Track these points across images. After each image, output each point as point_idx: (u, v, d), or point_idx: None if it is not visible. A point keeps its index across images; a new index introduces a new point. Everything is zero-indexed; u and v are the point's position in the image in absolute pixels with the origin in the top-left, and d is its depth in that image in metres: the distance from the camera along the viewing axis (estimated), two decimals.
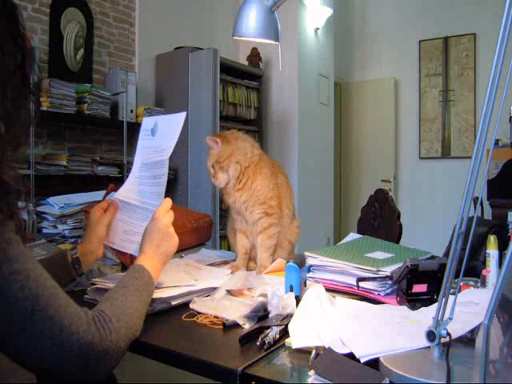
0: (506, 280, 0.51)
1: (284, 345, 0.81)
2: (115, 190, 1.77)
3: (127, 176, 1.16)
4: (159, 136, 1.07)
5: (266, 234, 1.35)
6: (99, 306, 0.78)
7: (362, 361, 0.69)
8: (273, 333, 0.83)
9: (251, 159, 1.35)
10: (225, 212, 3.63)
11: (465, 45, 4.99)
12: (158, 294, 1.00)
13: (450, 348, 0.67)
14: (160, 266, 0.98)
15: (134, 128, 3.08)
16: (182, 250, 1.50)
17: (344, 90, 5.63)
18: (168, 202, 1.02)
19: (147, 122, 1.10)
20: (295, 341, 0.79)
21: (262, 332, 0.84)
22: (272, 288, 0.98)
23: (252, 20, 1.35)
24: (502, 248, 1.09)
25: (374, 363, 0.69)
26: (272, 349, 0.80)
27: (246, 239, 1.40)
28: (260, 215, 1.35)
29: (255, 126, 4.07)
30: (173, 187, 3.34)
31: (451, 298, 0.67)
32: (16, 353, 0.68)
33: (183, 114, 1.03)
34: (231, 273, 1.28)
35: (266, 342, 0.80)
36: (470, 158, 0.63)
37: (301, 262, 1.05)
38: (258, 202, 1.34)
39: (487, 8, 4.59)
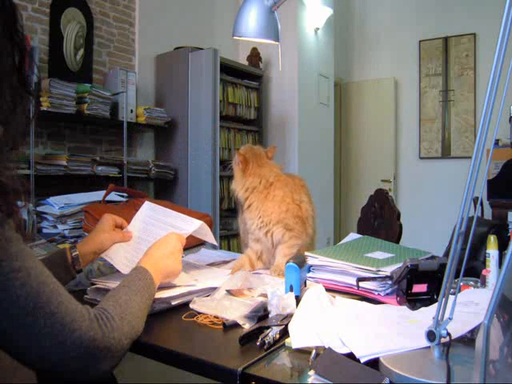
0: (506, 280, 0.51)
1: (284, 345, 0.81)
2: (115, 189, 1.78)
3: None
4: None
5: (286, 244, 1.34)
6: (101, 305, 0.78)
7: (362, 361, 0.69)
8: (273, 333, 0.83)
9: (256, 188, 1.36)
10: (225, 212, 3.63)
11: (465, 45, 4.99)
12: (157, 294, 0.99)
13: (449, 348, 0.67)
14: (161, 272, 0.98)
15: (134, 128, 3.09)
16: None
17: (344, 89, 5.63)
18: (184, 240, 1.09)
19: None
20: (295, 341, 0.79)
21: (262, 332, 0.84)
22: (272, 288, 0.98)
23: (252, 20, 1.35)
24: (502, 248, 1.09)
25: (374, 363, 0.69)
26: (272, 349, 0.80)
27: (254, 255, 1.40)
28: (282, 232, 1.34)
29: (255, 125, 4.07)
30: (173, 187, 3.34)
31: (451, 297, 0.67)
32: (17, 350, 0.67)
33: None
34: (231, 272, 1.28)
35: (266, 341, 0.80)
36: (470, 158, 0.63)
37: (301, 262, 1.05)
38: (271, 223, 1.34)
39: (487, 8, 4.59)
